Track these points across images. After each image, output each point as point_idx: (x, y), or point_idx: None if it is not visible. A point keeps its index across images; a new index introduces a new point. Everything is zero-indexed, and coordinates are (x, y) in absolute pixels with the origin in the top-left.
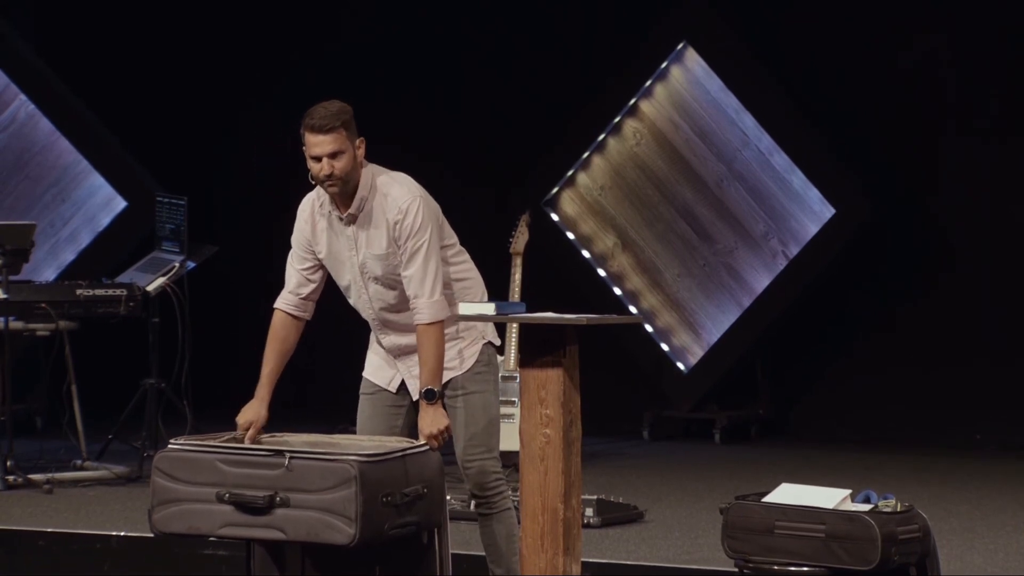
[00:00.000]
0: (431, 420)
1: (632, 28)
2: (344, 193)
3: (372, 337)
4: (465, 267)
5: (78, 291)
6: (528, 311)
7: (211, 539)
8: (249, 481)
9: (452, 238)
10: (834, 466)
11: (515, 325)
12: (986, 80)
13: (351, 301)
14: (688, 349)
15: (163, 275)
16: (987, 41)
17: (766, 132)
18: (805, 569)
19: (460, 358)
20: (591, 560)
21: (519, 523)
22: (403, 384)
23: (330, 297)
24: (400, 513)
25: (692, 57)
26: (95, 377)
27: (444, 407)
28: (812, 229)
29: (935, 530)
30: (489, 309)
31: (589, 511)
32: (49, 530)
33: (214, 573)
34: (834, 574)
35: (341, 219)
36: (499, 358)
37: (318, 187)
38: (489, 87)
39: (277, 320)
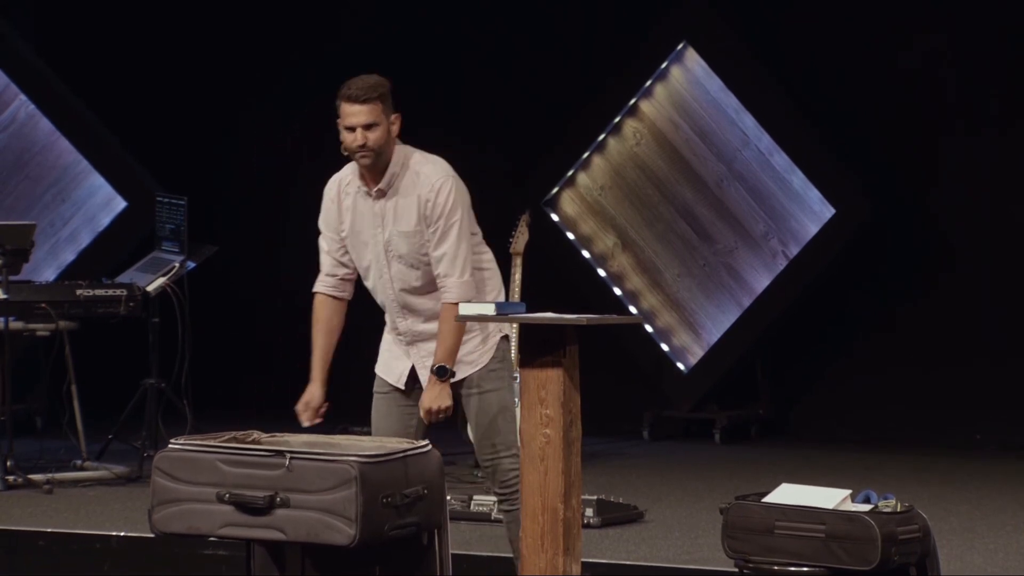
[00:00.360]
0: (435, 396)
1: (632, 28)
2: (375, 167)
3: (387, 326)
4: (487, 258)
5: (78, 291)
6: (528, 311)
7: (211, 539)
8: (249, 481)
9: (477, 229)
10: (834, 466)
11: (515, 325)
12: (986, 80)
13: (369, 283)
14: (688, 349)
15: (163, 275)
16: (987, 41)
17: (766, 132)
18: (805, 569)
19: (480, 349)
20: (591, 560)
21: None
22: (412, 378)
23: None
24: (400, 514)
25: (692, 57)
26: (95, 377)
27: (457, 398)
28: (812, 229)
29: (935, 530)
30: (489, 309)
31: (589, 511)
32: (49, 530)
33: (214, 573)
34: (834, 574)
35: (369, 194)
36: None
37: (344, 167)
38: (489, 87)
39: (318, 304)
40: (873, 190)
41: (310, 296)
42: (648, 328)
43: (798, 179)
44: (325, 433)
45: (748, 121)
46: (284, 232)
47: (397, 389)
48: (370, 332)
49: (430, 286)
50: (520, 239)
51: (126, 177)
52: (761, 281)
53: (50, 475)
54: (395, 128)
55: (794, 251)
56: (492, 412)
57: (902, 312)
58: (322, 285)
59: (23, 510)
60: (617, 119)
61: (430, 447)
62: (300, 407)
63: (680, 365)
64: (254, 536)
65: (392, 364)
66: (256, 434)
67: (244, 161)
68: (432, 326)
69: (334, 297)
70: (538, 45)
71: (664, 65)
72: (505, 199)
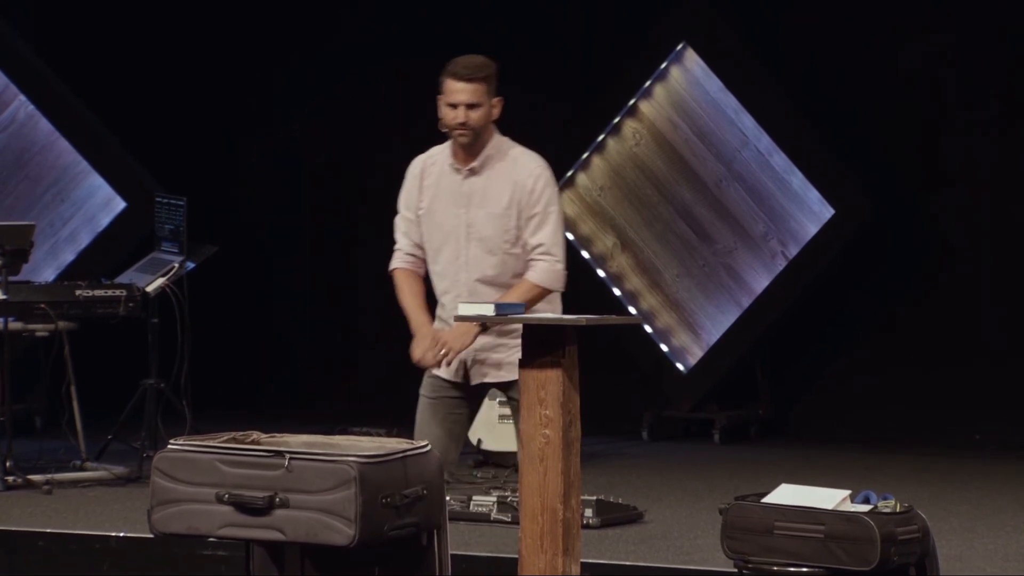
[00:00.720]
0: (458, 334)
1: (632, 29)
2: (471, 147)
3: (437, 319)
4: None
5: (77, 291)
6: (527, 311)
7: (210, 540)
8: (248, 482)
9: None
10: (833, 466)
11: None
12: (986, 80)
13: (437, 267)
14: (687, 349)
15: (162, 275)
16: (987, 41)
17: (765, 132)
18: (804, 570)
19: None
20: (590, 561)
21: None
22: (465, 371)
23: (334, 302)
24: (400, 514)
25: (691, 57)
26: (94, 377)
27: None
28: (811, 229)
29: (935, 530)
30: (488, 310)
31: (588, 511)
32: (48, 530)
33: (213, 573)
34: (833, 575)
35: (459, 171)
36: None
37: (431, 149)
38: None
39: (401, 275)
40: (873, 190)
41: (308, 296)
42: (647, 328)
43: (797, 179)
44: (324, 434)
45: (747, 121)
46: (284, 232)
47: (446, 396)
48: (371, 339)
49: (504, 276)
50: None
51: (125, 177)
52: (760, 281)
53: (49, 475)
54: (495, 111)
55: (793, 251)
56: None
57: (902, 312)
58: (402, 263)
59: (22, 510)
60: (616, 119)
61: (430, 447)
62: (426, 349)
63: (679, 365)
64: (253, 536)
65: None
66: (255, 434)
67: (244, 161)
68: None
69: (415, 272)
70: (538, 45)
71: (663, 65)
72: None
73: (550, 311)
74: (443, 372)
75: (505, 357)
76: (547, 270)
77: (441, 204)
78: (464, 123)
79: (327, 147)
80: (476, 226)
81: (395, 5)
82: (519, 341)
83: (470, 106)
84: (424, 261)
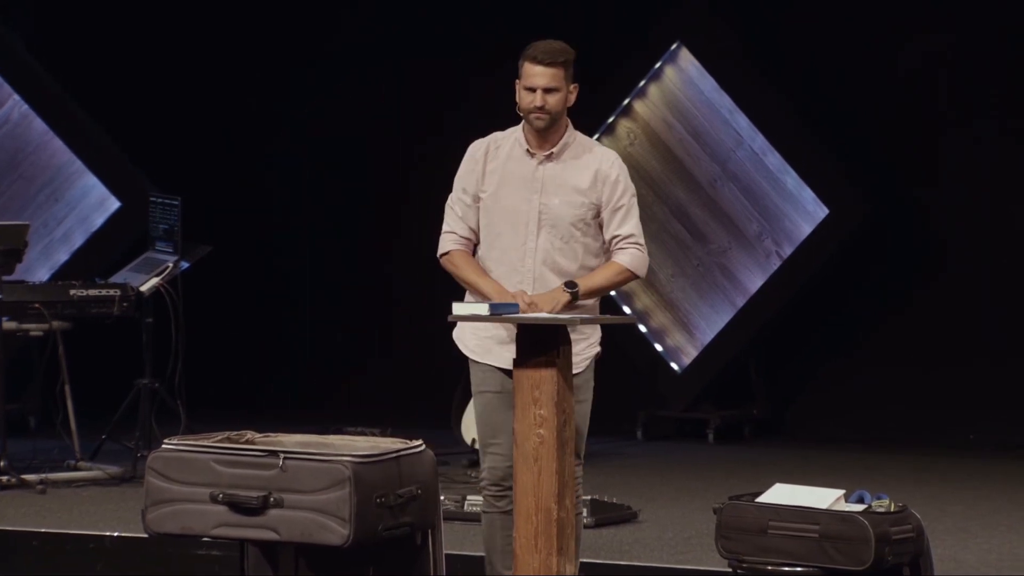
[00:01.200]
0: (550, 299)
1: (627, 28)
2: (546, 132)
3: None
4: None
5: (72, 291)
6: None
7: (205, 539)
8: (243, 481)
9: None
10: (828, 466)
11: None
12: (985, 80)
13: (494, 254)
14: (682, 349)
15: (157, 275)
16: (986, 41)
17: (760, 132)
18: (799, 569)
19: (581, 356)
20: (585, 560)
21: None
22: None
23: (329, 302)
24: (394, 514)
25: (686, 57)
26: (89, 377)
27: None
28: (806, 229)
29: (929, 530)
30: (483, 309)
31: (583, 511)
32: (43, 530)
33: (208, 573)
34: (828, 574)
35: (532, 156)
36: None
37: (494, 133)
38: (486, 87)
39: (459, 256)
40: (870, 190)
41: (302, 296)
42: (642, 328)
43: (792, 179)
44: (319, 433)
45: (742, 121)
46: (278, 232)
47: (507, 390)
48: (367, 339)
49: (571, 265)
50: None
51: (120, 177)
52: (755, 281)
53: (44, 475)
54: (572, 97)
55: (788, 251)
56: (582, 420)
57: (897, 312)
58: (454, 244)
59: (17, 510)
60: (611, 119)
61: (424, 447)
62: (523, 302)
63: (674, 365)
64: (248, 536)
65: (496, 350)
66: (250, 434)
67: (238, 161)
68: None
69: (469, 252)
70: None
71: (658, 65)
72: None
73: (589, 311)
74: (500, 363)
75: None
76: (638, 256)
77: (510, 189)
78: (542, 107)
79: (325, 147)
80: (549, 212)
81: (394, 5)
82: (583, 334)
83: (548, 90)
84: (472, 244)
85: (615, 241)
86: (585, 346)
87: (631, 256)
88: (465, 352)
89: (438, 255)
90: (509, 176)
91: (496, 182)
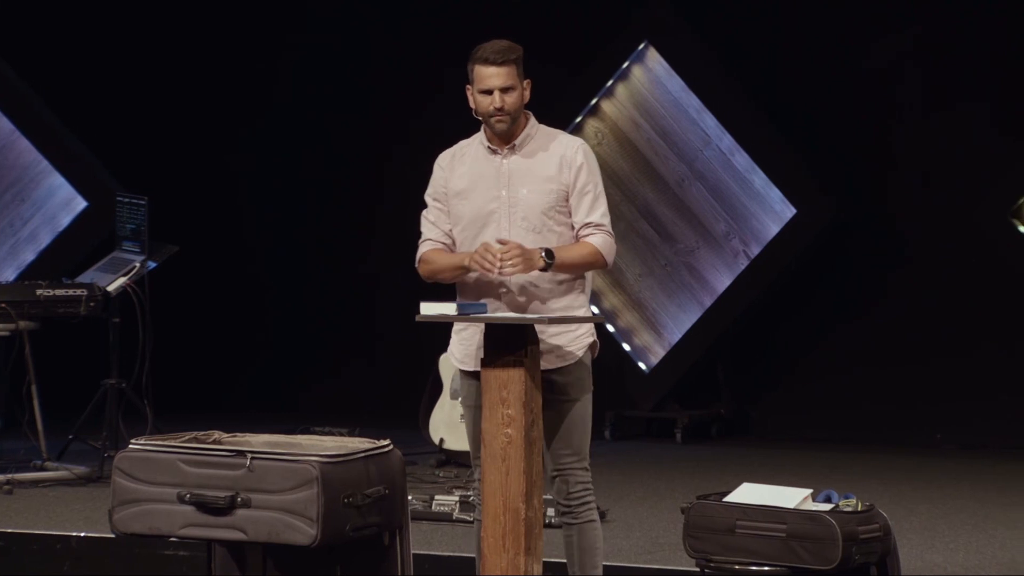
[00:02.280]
0: (525, 249)
1: (594, 28)
2: (507, 133)
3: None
4: None
5: (38, 291)
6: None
7: (172, 539)
8: (210, 481)
9: None
10: (795, 465)
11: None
12: (947, 81)
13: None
14: (650, 349)
15: (124, 275)
16: (949, 41)
17: (727, 132)
18: (766, 569)
19: (573, 345)
20: (552, 560)
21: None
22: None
23: (296, 303)
24: (361, 514)
25: (653, 57)
26: (55, 377)
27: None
28: (773, 229)
29: (896, 529)
30: (451, 309)
31: (551, 511)
32: (9, 530)
33: (175, 573)
34: (795, 573)
35: (496, 152)
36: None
37: (460, 142)
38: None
39: (428, 253)
40: (834, 190)
41: (270, 296)
42: (610, 328)
43: (759, 179)
44: (286, 433)
45: (709, 121)
46: (245, 232)
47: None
48: (334, 340)
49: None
50: None
51: (86, 177)
52: (722, 281)
53: (10, 475)
54: (527, 93)
55: (755, 251)
56: (573, 421)
57: (864, 312)
58: (427, 247)
59: None
60: (578, 119)
61: (392, 447)
62: (486, 254)
63: (642, 365)
64: (215, 536)
65: (475, 353)
66: (217, 434)
67: (206, 161)
68: (531, 306)
69: (443, 249)
70: None
71: (625, 65)
72: None
73: (583, 298)
74: (468, 365)
75: (546, 345)
76: (608, 243)
77: (479, 189)
78: (501, 108)
79: (293, 146)
80: (519, 204)
81: (360, 5)
82: (559, 328)
83: (504, 90)
84: (452, 249)
85: (585, 228)
86: (576, 335)
87: (602, 240)
88: (454, 363)
89: (416, 265)
90: (477, 177)
91: (465, 185)
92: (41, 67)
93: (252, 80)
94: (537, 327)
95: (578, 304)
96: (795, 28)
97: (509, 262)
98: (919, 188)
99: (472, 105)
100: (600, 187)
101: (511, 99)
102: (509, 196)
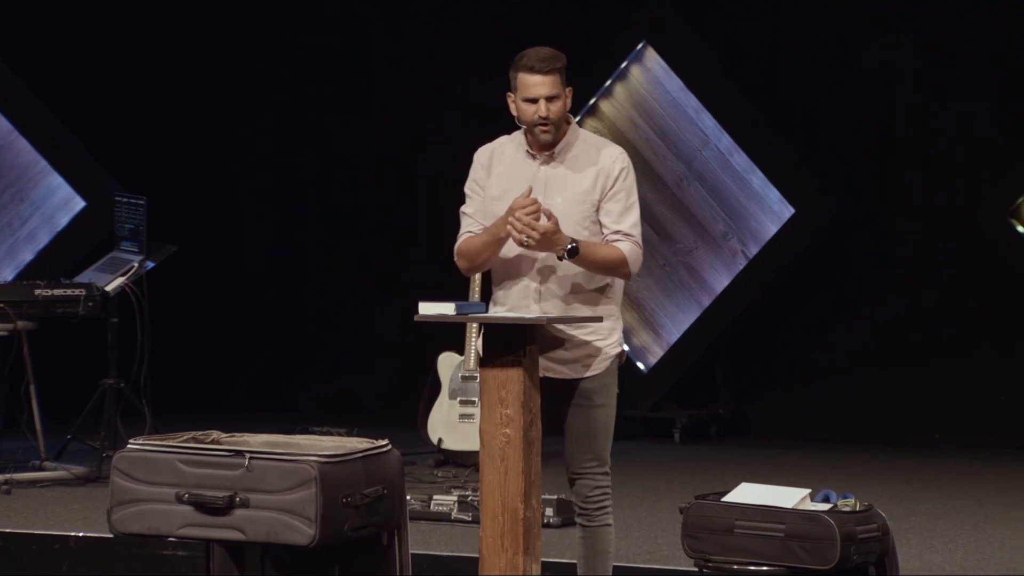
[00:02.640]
0: (554, 229)
1: (593, 28)
2: (551, 141)
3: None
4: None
5: (37, 291)
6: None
7: (170, 539)
8: (208, 481)
9: None
10: (793, 465)
11: (475, 325)
12: (947, 80)
13: (501, 256)
14: (648, 348)
15: (122, 275)
16: (949, 41)
17: (726, 132)
18: (765, 568)
19: (597, 356)
20: (551, 560)
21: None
22: None
23: (296, 302)
24: (360, 514)
25: (652, 57)
26: (54, 377)
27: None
28: (772, 229)
29: (894, 529)
30: (449, 309)
31: (549, 511)
32: (8, 530)
33: (173, 573)
34: (794, 573)
35: (534, 158)
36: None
37: (499, 138)
38: (451, 89)
39: (464, 241)
40: (833, 190)
41: (269, 296)
42: None
43: (758, 179)
44: (285, 433)
45: (708, 121)
46: (244, 232)
47: None
48: (333, 340)
49: (575, 267)
50: None
51: (85, 177)
52: (721, 281)
53: (8, 475)
54: (569, 101)
55: (754, 251)
56: (596, 426)
57: (863, 312)
58: (463, 238)
59: None
60: (577, 119)
61: (390, 447)
62: (520, 213)
63: (640, 364)
64: (213, 536)
65: None
66: (215, 434)
67: (205, 160)
68: (565, 311)
69: None
70: (500, 46)
71: (624, 65)
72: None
73: (613, 307)
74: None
75: (575, 353)
76: (636, 252)
77: (515, 192)
78: (546, 117)
79: (292, 146)
80: (554, 211)
81: (360, 7)
82: (589, 336)
83: (549, 98)
84: None
85: (614, 235)
86: (607, 343)
87: (630, 249)
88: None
89: (455, 259)
90: (513, 180)
91: (502, 186)
92: (39, 66)
93: (251, 80)
94: (566, 335)
95: (608, 313)
96: (794, 28)
97: (533, 232)
98: (918, 188)
99: (514, 112)
100: (633, 197)
101: (556, 108)
102: (545, 203)
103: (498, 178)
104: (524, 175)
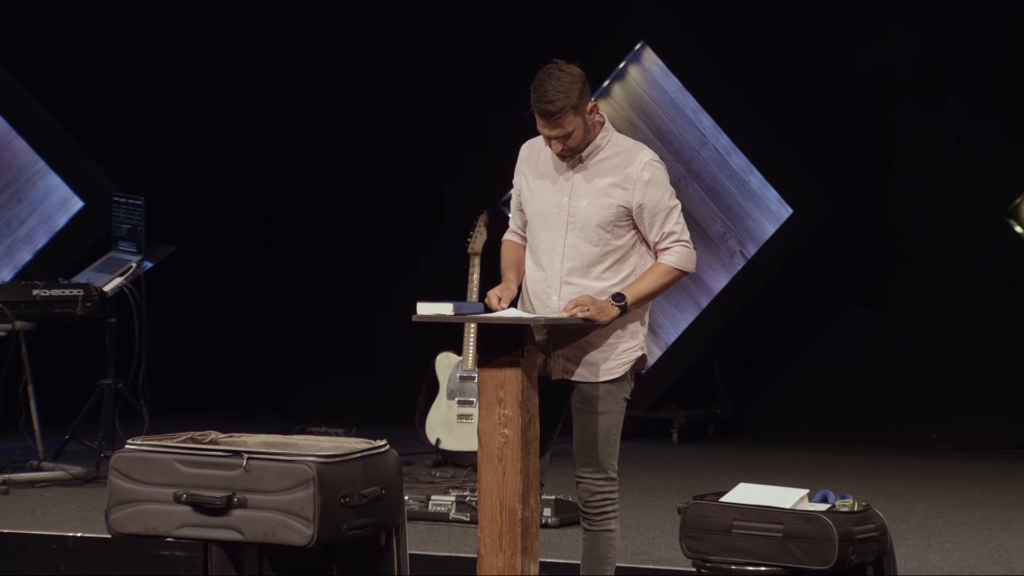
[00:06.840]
0: (602, 307)
1: (591, 28)
2: (575, 155)
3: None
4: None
5: (34, 291)
6: (486, 311)
7: (168, 540)
8: (206, 482)
9: None
10: (791, 465)
11: (473, 325)
12: (945, 81)
13: (533, 251)
14: (646, 349)
15: (120, 275)
16: (944, 41)
17: (723, 132)
18: (763, 569)
19: (614, 361)
20: (549, 560)
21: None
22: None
23: (293, 303)
24: (358, 514)
25: (650, 57)
26: (52, 377)
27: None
28: (769, 229)
29: (892, 529)
30: (447, 309)
31: (547, 511)
32: (5, 531)
33: (171, 574)
34: (792, 574)
35: (565, 159)
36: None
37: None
38: (447, 89)
39: (508, 245)
40: (830, 191)
41: (267, 296)
42: None
43: (756, 179)
44: (282, 434)
45: (706, 121)
46: (241, 232)
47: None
48: (330, 340)
49: (600, 269)
50: (478, 239)
51: (83, 177)
52: (719, 281)
53: (6, 476)
54: (592, 117)
55: (751, 251)
56: (601, 432)
57: (861, 312)
58: (513, 236)
59: None
60: None
61: (388, 447)
62: (492, 294)
63: None
64: (211, 537)
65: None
66: (213, 434)
67: (202, 161)
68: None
69: (519, 244)
70: (497, 46)
71: (622, 65)
72: (463, 200)
73: (640, 311)
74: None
75: (593, 356)
76: (684, 253)
77: (545, 190)
78: (561, 150)
79: (289, 147)
80: (578, 216)
81: (354, 10)
82: (618, 337)
83: (560, 137)
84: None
85: (659, 243)
86: (624, 348)
87: (676, 255)
88: None
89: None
90: (545, 177)
91: (534, 182)
92: (38, 67)
93: (250, 80)
94: (584, 342)
95: (631, 319)
96: (792, 28)
97: (579, 310)
98: (915, 188)
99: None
100: (669, 200)
101: (572, 140)
102: (569, 205)
103: (533, 175)
104: (554, 174)
